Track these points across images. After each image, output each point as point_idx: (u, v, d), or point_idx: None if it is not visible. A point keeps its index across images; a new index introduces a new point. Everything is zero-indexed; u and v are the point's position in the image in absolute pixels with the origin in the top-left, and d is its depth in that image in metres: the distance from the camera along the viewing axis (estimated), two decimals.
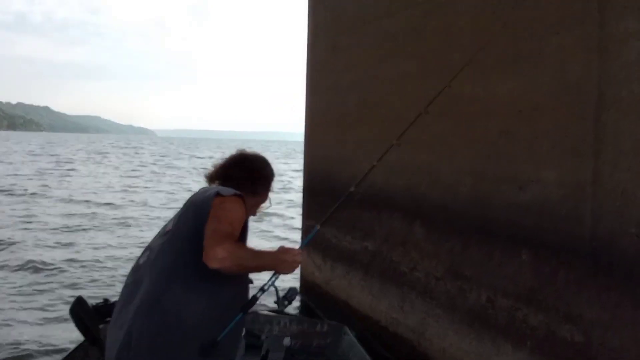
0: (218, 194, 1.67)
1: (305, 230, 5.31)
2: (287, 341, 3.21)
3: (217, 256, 1.47)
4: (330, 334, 3.44)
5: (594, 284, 2.25)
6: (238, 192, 1.73)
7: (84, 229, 9.45)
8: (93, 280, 6.19)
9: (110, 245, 8.11)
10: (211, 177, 1.95)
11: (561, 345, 2.39)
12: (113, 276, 6.24)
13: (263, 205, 1.99)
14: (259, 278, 1.85)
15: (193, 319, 1.57)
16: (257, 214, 2.00)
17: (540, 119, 2.58)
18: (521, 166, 2.68)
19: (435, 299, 3.28)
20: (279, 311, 3.65)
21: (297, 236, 9.35)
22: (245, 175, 1.90)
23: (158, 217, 10.96)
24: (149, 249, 1.75)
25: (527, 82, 2.66)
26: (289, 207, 12.45)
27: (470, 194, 3.02)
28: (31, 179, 18.82)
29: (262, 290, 1.69)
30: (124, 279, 1.78)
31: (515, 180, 2.70)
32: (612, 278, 2.19)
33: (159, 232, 1.81)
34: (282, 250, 1.67)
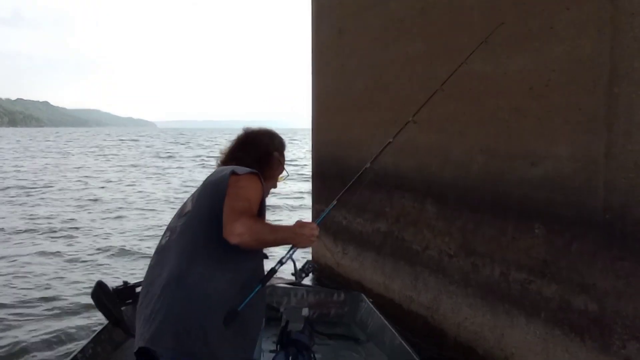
0: (234, 173, 1.71)
1: (315, 214, 5.37)
2: (305, 312, 3.29)
3: (236, 231, 1.52)
4: (348, 302, 3.53)
5: (607, 254, 2.31)
6: (254, 170, 1.77)
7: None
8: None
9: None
10: (222, 162, 1.98)
11: (576, 315, 2.46)
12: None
13: (280, 176, 2.01)
14: (275, 252, 1.91)
15: (217, 293, 1.63)
16: (277, 185, 2.02)
17: (552, 95, 2.62)
18: (533, 142, 2.72)
19: (448, 276, 3.35)
20: (296, 283, 3.74)
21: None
22: (252, 155, 1.92)
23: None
24: (169, 229, 1.80)
25: (538, 59, 2.69)
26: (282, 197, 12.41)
27: (482, 171, 3.07)
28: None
29: (280, 262, 1.74)
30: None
31: (527, 157, 2.75)
32: (626, 248, 2.25)
33: (177, 212, 1.86)
34: (299, 224, 1.69)
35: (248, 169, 1.76)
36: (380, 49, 4.21)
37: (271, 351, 2.30)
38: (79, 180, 17.05)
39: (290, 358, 2.29)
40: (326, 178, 5.17)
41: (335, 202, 1.98)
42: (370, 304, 3.33)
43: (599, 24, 2.34)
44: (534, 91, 2.72)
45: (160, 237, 1.85)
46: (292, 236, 1.66)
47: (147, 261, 1.86)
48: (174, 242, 1.72)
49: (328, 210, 1.94)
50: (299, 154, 29.52)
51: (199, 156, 30.91)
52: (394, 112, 4.00)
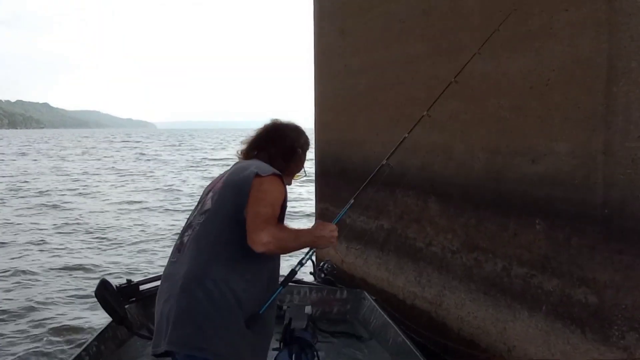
0: (257, 174, 1.69)
1: (320, 212, 5.44)
2: (308, 309, 3.29)
3: (262, 240, 1.54)
4: (350, 299, 3.56)
5: (606, 248, 2.38)
6: (276, 171, 1.75)
7: None
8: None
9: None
10: (245, 152, 1.94)
11: (576, 308, 2.53)
12: None
13: (297, 174, 2.01)
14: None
15: (236, 295, 1.64)
16: (292, 183, 2.00)
17: (552, 94, 2.68)
18: (534, 140, 2.79)
19: (451, 272, 3.42)
20: (301, 281, 3.77)
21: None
22: (277, 148, 1.90)
23: None
24: (189, 226, 1.80)
25: (538, 58, 2.75)
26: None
27: (484, 168, 3.14)
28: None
29: (301, 264, 1.79)
30: None
31: (528, 154, 2.81)
32: (624, 242, 2.32)
33: (197, 207, 1.85)
34: (320, 226, 1.74)
35: (271, 170, 1.74)
36: (382, 49, 4.28)
37: (274, 349, 2.33)
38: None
39: (293, 356, 2.31)
40: (329, 177, 5.24)
41: (352, 200, 1.99)
42: (373, 302, 3.36)
43: (597, 24, 2.41)
44: (534, 90, 2.79)
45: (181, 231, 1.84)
46: (313, 240, 1.71)
47: None
48: (193, 241, 1.72)
49: (346, 209, 1.96)
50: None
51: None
52: (397, 111, 4.06)
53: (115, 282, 3.29)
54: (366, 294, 3.48)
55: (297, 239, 1.66)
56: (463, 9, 3.35)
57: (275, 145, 1.91)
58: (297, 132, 1.98)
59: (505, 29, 2.97)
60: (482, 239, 3.16)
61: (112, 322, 3.05)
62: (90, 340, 2.88)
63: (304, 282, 3.72)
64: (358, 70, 4.67)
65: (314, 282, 4.03)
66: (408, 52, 3.93)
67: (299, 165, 1.98)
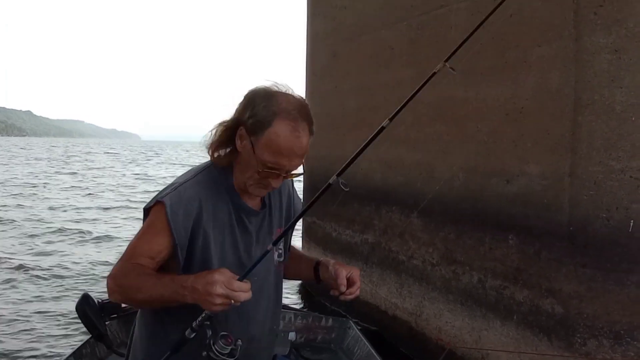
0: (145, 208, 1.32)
1: (306, 226, 5.61)
2: (292, 336, 3.28)
3: (108, 286, 1.25)
4: (335, 328, 3.55)
5: (572, 261, 2.62)
6: (161, 196, 1.28)
7: None
8: None
9: None
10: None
11: (544, 317, 2.74)
12: None
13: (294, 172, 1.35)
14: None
15: (139, 334, 1.45)
16: (259, 192, 1.39)
17: (525, 121, 2.94)
18: (508, 162, 3.04)
19: (431, 283, 3.62)
20: (284, 306, 3.82)
21: None
22: (225, 135, 1.33)
23: None
24: None
25: (513, 88, 3.02)
26: None
27: (463, 187, 3.38)
28: None
29: (192, 329, 1.22)
30: None
31: (503, 175, 3.06)
32: (587, 256, 2.56)
33: None
34: (199, 276, 1.17)
35: (158, 196, 1.29)
36: (371, 72, 4.54)
37: None
38: None
39: None
40: (316, 192, 5.42)
41: (271, 245, 1.33)
42: (358, 332, 3.32)
43: (565, 60, 2.69)
44: (509, 117, 3.05)
45: None
46: (176, 292, 1.17)
47: None
48: None
49: (262, 257, 1.29)
50: None
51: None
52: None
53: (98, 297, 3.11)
54: (352, 323, 3.45)
55: (146, 290, 1.20)
56: (447, 38, 3.62)
57: (224, 143, 1.37)
58: (247, 100, 1.32)
59: (485, 59, 3.24)
60: (460, 253, 3.38)
61: (90, 338, 2.95)
62: (66, 356, 2.82)
63: (289, 307, 3.73)
64: (348, 91, 4.92)
65: (299, 308, 4.04)
66: (395, 76, 4.19)
67: (252, 154, 1.29)
